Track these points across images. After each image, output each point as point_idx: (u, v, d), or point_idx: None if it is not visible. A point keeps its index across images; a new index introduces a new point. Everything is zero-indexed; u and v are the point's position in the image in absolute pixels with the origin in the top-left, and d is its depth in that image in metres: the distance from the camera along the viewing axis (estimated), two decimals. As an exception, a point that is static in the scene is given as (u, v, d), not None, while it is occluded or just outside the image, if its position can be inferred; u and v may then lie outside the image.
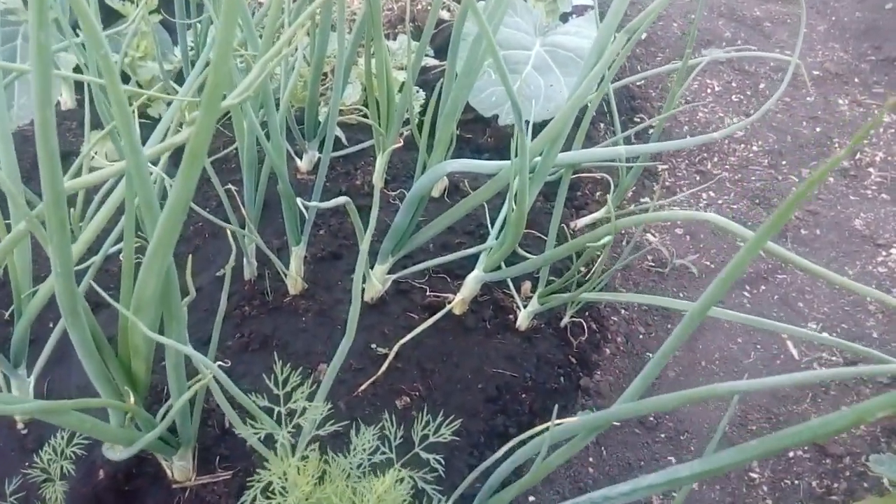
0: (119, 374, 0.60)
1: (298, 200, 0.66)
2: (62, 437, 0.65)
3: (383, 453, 0.66)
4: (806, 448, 0.99)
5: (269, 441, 0.61)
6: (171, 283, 0.53)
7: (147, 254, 0.47)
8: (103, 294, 0.50)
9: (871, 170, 1.52)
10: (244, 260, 0.97)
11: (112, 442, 0.63)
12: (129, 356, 0.60)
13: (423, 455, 0.65)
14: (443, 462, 0.66)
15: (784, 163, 1.55)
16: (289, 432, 0.61)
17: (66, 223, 0.43)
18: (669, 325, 1.11)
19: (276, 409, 0.60)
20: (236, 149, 1.04)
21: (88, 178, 0.48)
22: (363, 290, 0.98)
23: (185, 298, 0.59)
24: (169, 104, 1.01)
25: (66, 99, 1.29)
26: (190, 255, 0.56)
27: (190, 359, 0.62)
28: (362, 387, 0.87)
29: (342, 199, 0.75)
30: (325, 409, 0.61)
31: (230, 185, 1.07)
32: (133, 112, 0.88)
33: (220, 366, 0.82)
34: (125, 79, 1.27)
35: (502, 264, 0.98)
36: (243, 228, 0.92)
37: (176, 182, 0.42)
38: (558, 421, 0.53)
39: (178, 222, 0.44)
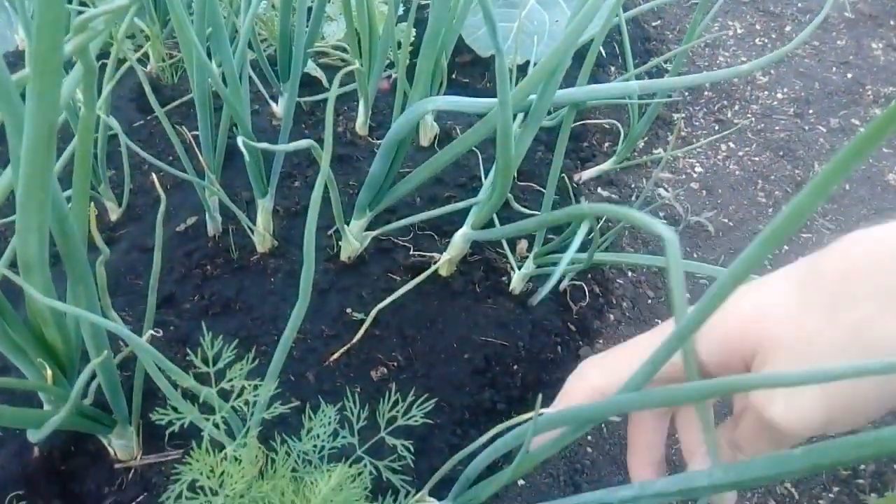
0: (30, 344, 0.51)
1: (240, 140, 0.56)
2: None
3: (344, 437, 0.57)
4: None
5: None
6: (70, 238, 0.44)
7: (17, 199, 0.37)
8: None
9: (907, 119, 1.39)
10: (206, 214, 0.87)
11: (13, 426, 0.55)
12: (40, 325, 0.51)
13: (390, 441, 0.56)
14: (412, 449, 0.57)
15: (811, 111, 1.41)
16: (237, 410, 0.52)
17: None
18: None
19: (216, 383, 0.50)
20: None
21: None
22: (339, 247, 0.88)
23: (100, 258, 0.49)
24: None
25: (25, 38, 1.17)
26: (92, 204, 0.46)
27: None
28: (334, 356, 0.78)
29: (304, 143, 0.64)
30: (273, 387, 0.52)
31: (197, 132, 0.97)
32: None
33: (156, 333, 0.74)
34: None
35: (495, 220, 0.88)
36: (203, 179, 0.82)
37: (28, 102, 0.31)
38: (542, 411, 0.43)
39: (46, 156, 0.34)
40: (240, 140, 0.56)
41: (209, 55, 0.75)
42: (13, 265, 0.65)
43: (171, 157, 0.99)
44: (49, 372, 0.53)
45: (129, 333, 0.46)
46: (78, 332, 0.56)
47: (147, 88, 0.71)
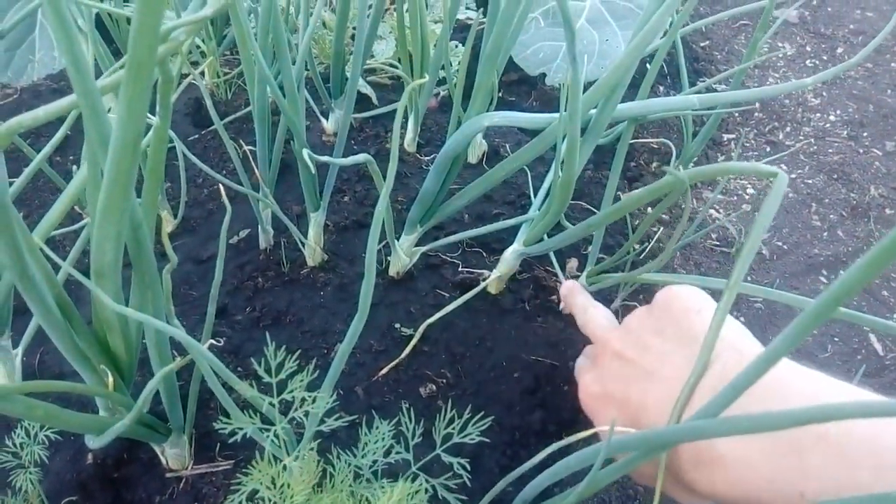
0: (94, 350, 0.52)
1: (305, 153, 0.56)
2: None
3: (398, 453, 0.56)
4: None
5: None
6: (142, 246, 0.44)
7: (99, 205, 0.37)
8: (54, 257, 0.41)
9: (969, 143, 1.34)
10: (259, 227, 0.87)
11: (75, 431, 0.55)
12: (105, 331, 0.52)
13: (446, 458, 0.55)
14: (468, 467, 0.55)
15: (865, 134, 1.38)
16: (292, 423, 0.52)
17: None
18: (735, 313, 0.98)
19: (277, 394, 0.50)
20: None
21: (36, 112, 0.39)
22: (388, 262, 0.88)
23: (167, 266, 0.49)
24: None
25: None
26: (166, 213, 0.47)
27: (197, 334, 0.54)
28: (383, 371, 0.78)
29: (362, 157, 0.64)
30: (330, 399, 0.51)
31: (250, 147, 0.98)
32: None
33: (217, 343, 0.74)
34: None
35: (545, 237, 0.87)
36: (258, 192, 0.82)
37: (119, 107, 0.32)
38: (620, 429, 0.42)
39: (131, 162, 0.34)
40: (305, 153, 0.56)
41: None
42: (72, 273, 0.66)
43: (224, 172, 1.01)
44: (111, 379, 0.53)
45: (194, 343, 0.46)
46: (138, 339, 0.56)
47: (208, 102, 0.72)
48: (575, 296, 0.72)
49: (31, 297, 0.44)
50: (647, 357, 0.52)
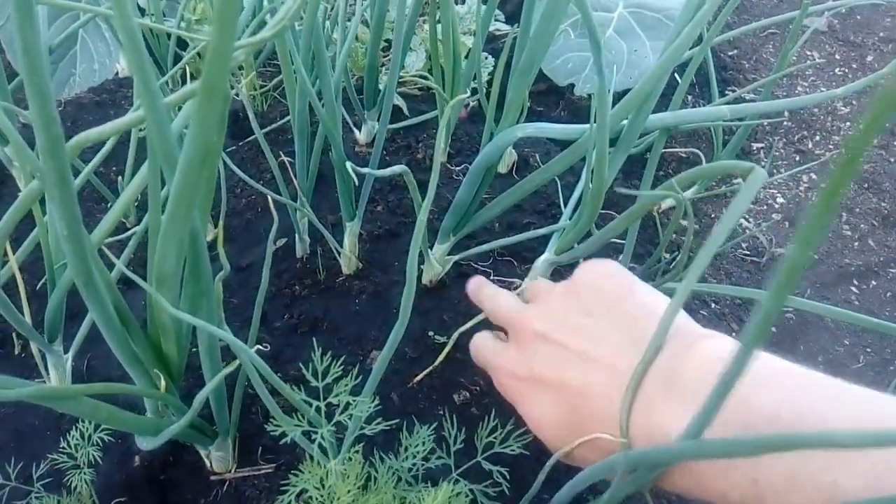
0: (148, 355, 0.54)
1: (349, 165, 0.58)
2: (91, 421, 0.59)
3: (439, 458, 0.57)
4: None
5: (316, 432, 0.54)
6: (200, 254, 0.46)
7: (164, 216, 0.39)
8: (116, 262, 0.43)
9: None
10: (296, 236, 0.90)
11: (133, 432, 0.57)
12: (159, 336, 0.54)
13: (486, 465, 0.56)
14: (507, 475, 0.57)
15: (896, 143, 1.37)
16: (333, 427, 0.53)
17: (66, 174, 0.36)
18: (766, 322, 0.98)
19: (322, 398, 0.52)
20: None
21: (103, 128, 0.41)
22: (421, 271, 0.90)
23: (219, 274, 0.52)
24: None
25: (124, 66, 1.25)
26: (219, 226, 0.49)
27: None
28: (418, 378, 0.79)
29: (399, 168, 0.66)
30: (372, 404, 0.53)
31: (286, 158, 1.01)
32: (188, 76, 0.82)
33: (263, 349, 0.76)
34: (183, 45, 1.22)
35: (575, 245, 0.88)
36: (296, 201, 0.85)
37: (191, 125, 0.34)
38: (634, 452, 0.43)
39: (197, 176, 0.36)
40: (348, 165, 0.58)
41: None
42: (122, 280, 0.69)
43: (261, 182, 1.03)
44: (163, 382, 0.55)
45: (246, 348, 0.48)
46: (188, 344, 0.58)
47: (250, 115, 0.75)
48: (484, 287, 0.70)
49: (94, 304, 0.47)
50: (581, 340, 0.51)
